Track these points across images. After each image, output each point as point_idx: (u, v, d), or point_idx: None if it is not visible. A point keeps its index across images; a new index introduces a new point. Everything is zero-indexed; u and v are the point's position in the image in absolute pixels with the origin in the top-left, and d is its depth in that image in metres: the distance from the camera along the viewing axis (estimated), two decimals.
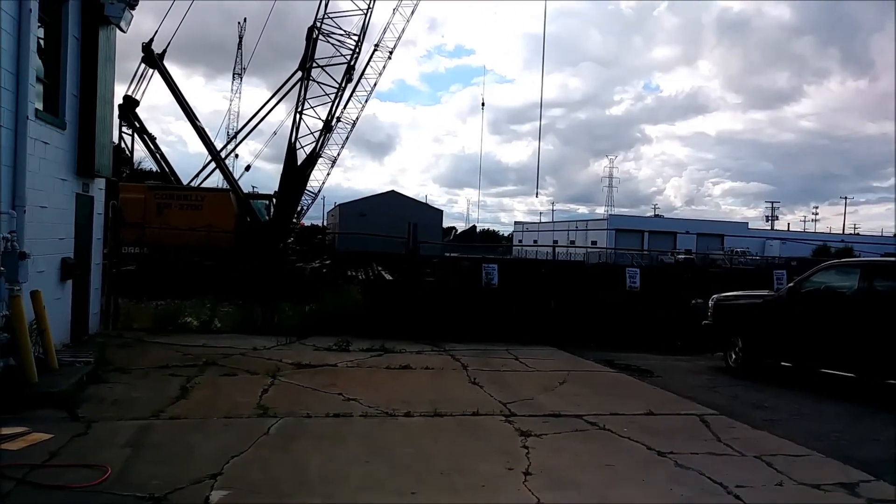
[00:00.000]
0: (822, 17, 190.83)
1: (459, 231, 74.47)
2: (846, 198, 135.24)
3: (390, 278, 16.33)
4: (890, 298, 9.26)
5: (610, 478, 5.71)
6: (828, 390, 9.52)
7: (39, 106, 9.00)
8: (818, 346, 9.89)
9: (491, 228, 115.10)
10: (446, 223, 76.20)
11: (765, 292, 12.00)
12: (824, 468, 6.15)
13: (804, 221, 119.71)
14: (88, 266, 11.00)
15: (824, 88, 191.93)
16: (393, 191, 72.34)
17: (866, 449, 6.83)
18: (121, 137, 28.54)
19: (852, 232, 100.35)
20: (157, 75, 28.55)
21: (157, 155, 30.78)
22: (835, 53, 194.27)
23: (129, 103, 28.67)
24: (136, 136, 29.51)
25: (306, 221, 45.14)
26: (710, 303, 12.22)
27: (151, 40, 28.07)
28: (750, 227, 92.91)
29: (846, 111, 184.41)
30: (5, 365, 7.14)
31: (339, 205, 72.80)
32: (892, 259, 12.08)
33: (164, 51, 28.48)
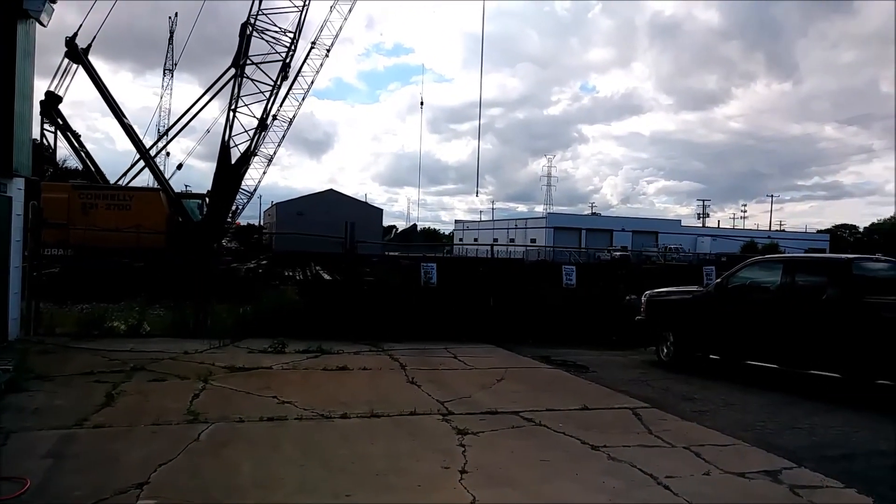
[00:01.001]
0: (749, 22, 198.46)
1: (400, 230, 74.26)
2: (772, 196, 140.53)
3: (328, 278, 16.15)
4: (809, 293, 9.66)
5: (545, 473, 5.77)
6: (754, 381, 9.87)
7: None
8: (744, 339, 10.26)
9: (432, 227, 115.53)
10: (386, 222, 75.86)
11: (694, 288, 12.38)
12: (749, 457, 6.36)
13: (734, 219, 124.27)
14: (7, 269, 10.50)
15: (751, 91, 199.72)
16: (331, 189, 71.53)
17: (789, 437, 7.11)
18: (42, 135, 27.42)
19: (779, 228, 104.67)
20: (81, 70, 27.52)
21: (82, 153, 29.64)
22: (760, 57, 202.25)
23: (52, 99, 27.53)
24: (59, 133, 28.35)
25: (242, 221, 44.33)
26: (643, 299, 12.52)
27: (76, 34, 27.03)
28: (683, 224, 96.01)
29: (771, 112, 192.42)
30: None
31: (277, 203, 71.52)
32: (812, 255, 12.62)
33: (90, 45, 27.47)
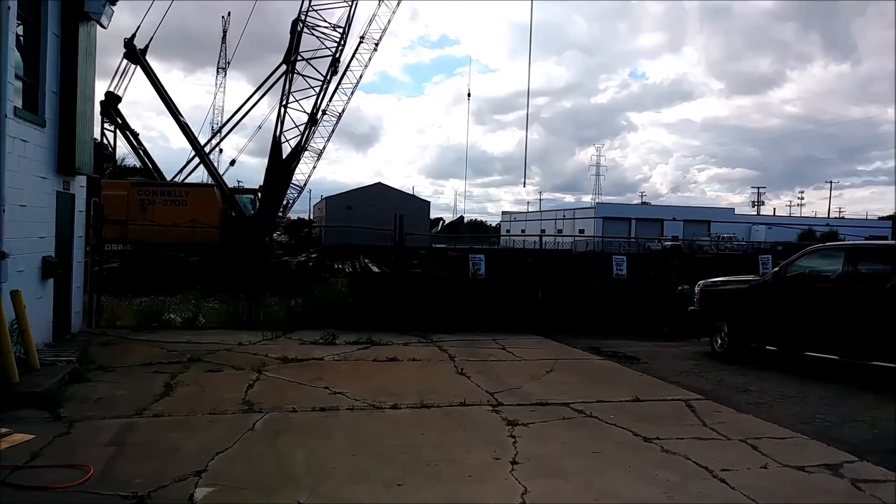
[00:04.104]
0: (803, 2, 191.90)
1: (447, 222, 74.40)
2: (831, 182, 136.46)
3: (377, 270, 16.32)
4: (873, 281, 9.31)
5: (597, 464, 5.72)
6: (812, 373, 9.59)
7: (18, 103, 8.87)
8: (803, 329, 9.95)
9: (478, 219, 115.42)
10: (433, 214, 76.01)
11: (750, 277, 12.06)
12: (808, 450, 6.19)
13: (790, 206, 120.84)
14: (70, 264, 10.88)
15: (807, 73, 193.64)
16: (379, 183, 72.02)
17: (850, 430, 6.89)
18: (103, 134, 28.30)
19: (837, 216, 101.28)
20: (139, 71, 28.30)
21: (140, 151, 30.54)
22: (816, 39, 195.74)
23: (111, 99, 28.40)
24: (118, 132, 29.23)
25: (293, 215, 45.03)
26: (697, 288, 12.26)
27: (133, 36, 27.81)
28: (736, 212, 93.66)
29: (830, 95, 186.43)
30: None
31: (326, 198, 72.47)
32: (876, 242, 12.18)
33: (147, 46, 28.24)
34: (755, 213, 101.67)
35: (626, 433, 6.58)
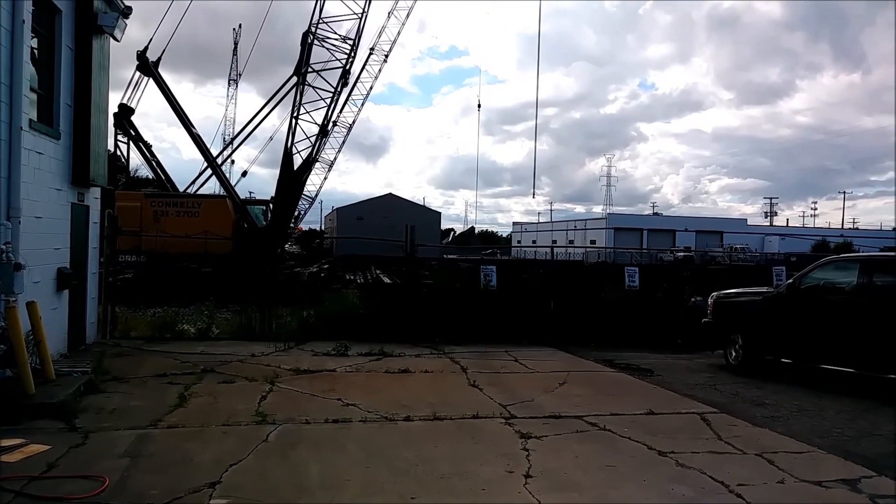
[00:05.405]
0: (812, 12, 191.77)
1: (458, 233, 74.41)
2: (844, 192, 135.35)
3: (388, 281, 16.32)
4: (889, 293, 9.23)
5: (611, 478, 5.68)
6: (829, 386, 9.49)
7: (34, 116, 8.97)
8: (818, 341, 9.87)
9: (489, 229, 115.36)
10: (443, 225, 75.95)
11: (764, 289, 11.98)
12: (826, 465, 6.12)
13: (803, 217, 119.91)
14: (85, 275, 10.96)
15: (817, 83, 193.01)
16: (390, 193, 72.11)
17: (868, 444, 6.81)
18: (116, 146, 28.57)
19: (851, 226, 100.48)
20: (151, 83, 28.58)
21: (153, 162, 30.82)
22: (825, 48, 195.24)
23: (125, 111, 28.70)
24: (131, 143, 29.50)
25: (304, 226, 45.17)
26: (710, 300, 12.19)
27: (146, 48, 28.10)
28: (749, 223, 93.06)
29: (841, 105, 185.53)
30: (2, 377, 7.09)
31: (337, 209, 72.67)
32: (891, 254, 12.06)
33: (159, 58, 28.53)
34: (768, 223, 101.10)
35: (641, 447, 6.53)
